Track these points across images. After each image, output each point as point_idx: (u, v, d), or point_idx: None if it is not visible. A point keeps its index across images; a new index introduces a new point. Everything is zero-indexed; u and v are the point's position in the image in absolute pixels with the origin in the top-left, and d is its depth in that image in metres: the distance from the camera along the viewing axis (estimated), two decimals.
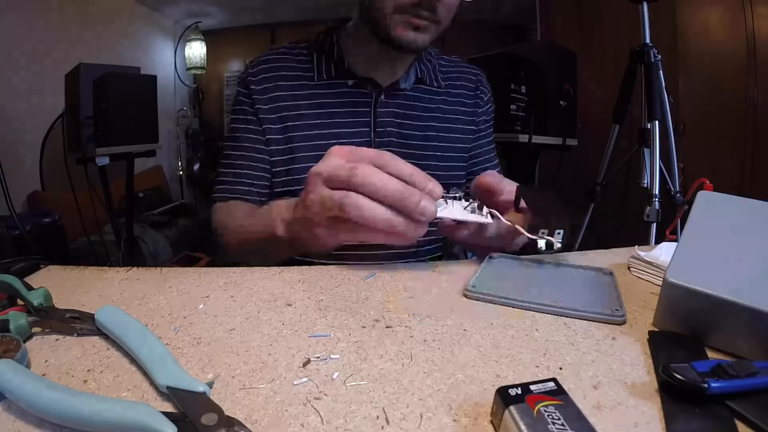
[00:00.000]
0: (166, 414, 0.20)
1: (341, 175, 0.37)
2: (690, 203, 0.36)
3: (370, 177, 0.36)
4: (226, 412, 0.22)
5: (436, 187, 0.38)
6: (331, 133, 0.64)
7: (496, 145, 0.82)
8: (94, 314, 0.31)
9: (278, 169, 0.66)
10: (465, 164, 0.75)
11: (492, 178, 0.47)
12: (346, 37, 0.67)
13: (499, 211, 0.43)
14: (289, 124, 0.65)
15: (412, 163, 0.59)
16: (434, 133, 0.70)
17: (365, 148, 0.39)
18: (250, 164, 0.66)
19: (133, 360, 0.27)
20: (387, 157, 0.38)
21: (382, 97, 0.66)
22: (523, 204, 0.44)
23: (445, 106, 0.72)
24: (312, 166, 0.57)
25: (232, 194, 0.66)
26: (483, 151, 0.79)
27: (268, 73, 0.67)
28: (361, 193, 0.36)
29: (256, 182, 0.66)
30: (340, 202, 0.36)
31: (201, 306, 0.35)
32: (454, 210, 0.42)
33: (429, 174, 0.61)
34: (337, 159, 0.38)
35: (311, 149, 0.64)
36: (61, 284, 0.39)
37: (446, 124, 0.71)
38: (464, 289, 0.38)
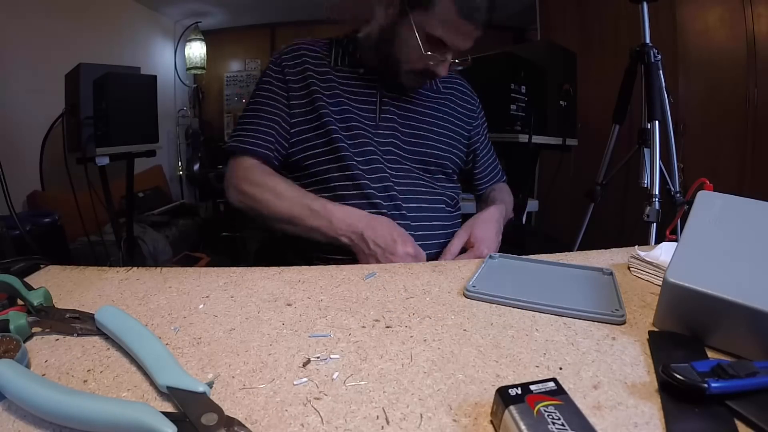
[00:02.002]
0: (166, 414, 0.20)
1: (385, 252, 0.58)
2: (690, 203, 0.36)
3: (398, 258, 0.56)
4: (226, 412, 0.22)
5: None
6: (346, 108, 0.72)
7: (494, 147, 0.88)
8: (94, 314, 0.31)
9: (304, 134, 0.72)
10: (463, 152, 0.83)
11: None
12: (360, 40, 0.77)
13: None
14: (315, 96, 0.72)
15: (412, 145, 0.77)
16: (430, 126, 0.77)
17: (403, 240, 0.60)
18: (272, 125, 0.71)
19: (133, 360, 0.27)
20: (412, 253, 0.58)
21: (385, 90, 0.74)
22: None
23: (441, 107, 0.80)
24: (335, 127, 0.71)
25: (252, 147, 0.70)
26: (484, 153, 0.87)
27: (299, 56, 0.75)
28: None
29: (274, 144, 0.71)
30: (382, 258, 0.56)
31: (201, 306, 0.35)
32: None
33: (425, 157, 0.78)
34: (384, 231, 0.60)
35: (335, 114, 0.71)
36: (61, 284, 0.39)
37: (441, 121, 0.79)
38: (464, 289, 0.38)
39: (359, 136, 0.71)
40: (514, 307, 0.35)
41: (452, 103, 0.82)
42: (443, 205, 0.75)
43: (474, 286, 0.37)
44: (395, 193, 0.70)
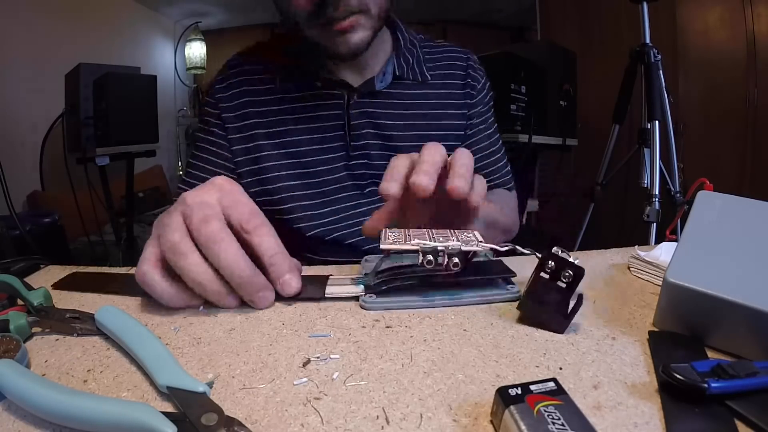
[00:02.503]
0: (166, 414, 0.20)
1: (193, 219, 0.32)
2: (690, 203, 0.36)
3: (215, 244, 0.31)
4: (226, 412, 0.22)
5: (292, 281, 0.34)
6: (302, 140, 0.59)
7: (502, 148, 0.71)
8: (94, 314, 0.31)
9: (246, 180, 0.61)
10: None
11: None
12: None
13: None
14: (257, 133, 0.60)
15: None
16: (417, 132, 0.62)
17: (245, 200, 0.34)
18: (212, 169, 0.62)
19: (133, 360, 0.27)
20: (259, 222, 0.33)
21: (355, 98, 0.60)
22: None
23: (430, 101, 0.63)
24: (282, 177, 0.59)
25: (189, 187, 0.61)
26: (482, 147, 0.68)
27: (234, 79, 0.62)
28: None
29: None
30: (169, 245, 0.32)
31: (201, 306, 0.35)
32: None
33: None
34: (212, 195, 0.34)
35: (281, 158, 0.60)
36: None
37: (431, 120, 0.63)
38: (361, 301, 0.35)
39: (326, 178, 0.60)
40: (409, 309, 0.34)
41: (443, 90, 0.65)
42: None
43: (366, 301, 0.35)
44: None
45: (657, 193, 1.29)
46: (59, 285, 0.39)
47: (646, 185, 1.34)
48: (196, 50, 3.54)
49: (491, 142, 0.69)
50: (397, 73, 0.62)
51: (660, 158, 1.33)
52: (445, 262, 0.33)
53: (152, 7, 3.25)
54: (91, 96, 1.81)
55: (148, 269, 0.33)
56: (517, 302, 0.34)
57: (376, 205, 0.59)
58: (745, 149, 1.96)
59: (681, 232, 0.34)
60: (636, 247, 0.45)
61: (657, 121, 1.34)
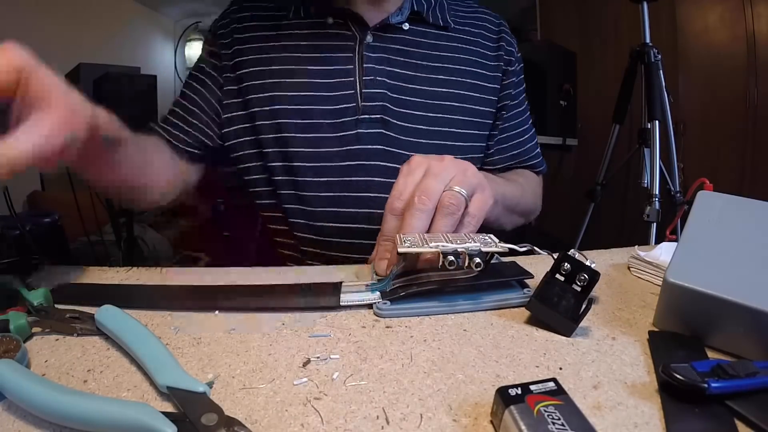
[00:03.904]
0: (166, 414, 0.20)
1: None
2: (690, 203, 0.36)
3: None
4: (226, 412, 0.22)
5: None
6: (306, 83, 0.53)
7: (533, 127, 0.64)
8: (94, 314, 0.31)
9: (263, 123, 0.54)
10: (486, 133, 0.59)
11: None
12: None
13: None
14: (247, 78, 0.54)
15: (414, 128, 0.54)
16: (443, 89, 0.54)
17: None
18: (193, 112, 0.57)
19: (133, 360, 0.27)
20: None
21: (369, 38, 0.53)
22: None
23: (457, 55, 0.56)
24: (293, 120, 0.52)
25: (162, 133, 0.58)
26: (513, 124, 0.60)
27: (237, 15, 0.57)
28: None
29: (189, 130, 0.57)
30: None
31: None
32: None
33: (440, 144, 0.55)
34: None
35: (281, 104, 0.53)
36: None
37: (459, 77, 0.55)
38: (375, 308, 0.34)
39: (329, 131, 0.52)
40: (425, 315, 0.34)
41: (471, 46, 0.57)
42: None
43: (383, 306, 0.34)
44: None
45: (657, 193, 1.29)
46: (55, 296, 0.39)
47: (646, 185, 1.34)
48: (196, 50, 3.54)
49: (523, 120, 0.63)
50: (416, 8, 0.55)
51: (660, 158, 1.33)
52: (466, 264, 0.33)
53: (152, 7, 3.25)
54: (91, 96, 1.81)
55: None
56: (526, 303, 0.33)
57: (385, 182, 0.52)
58: (745, 149, 1.95)
59: (681, 232, 0.34)
60: (636, 247, 0.45)
61: (657, 121, 1.34)
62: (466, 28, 0.58)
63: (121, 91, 1.82)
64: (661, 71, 1.39)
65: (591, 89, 2.35)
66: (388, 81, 0.53)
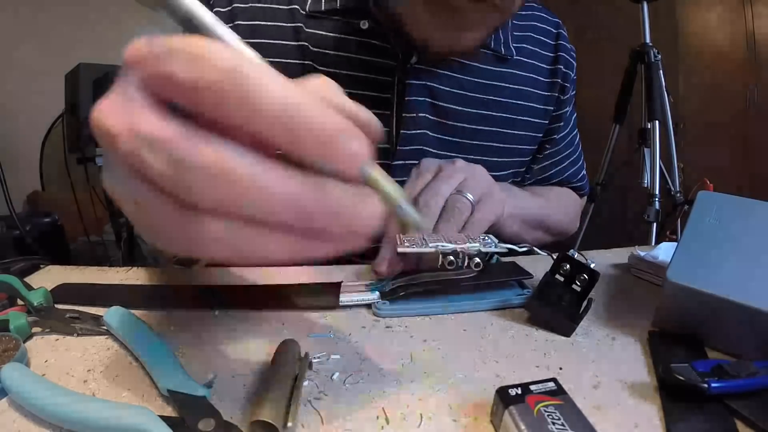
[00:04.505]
0: (165, 418, 0.20)
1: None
2: (690, 203, 0.36)
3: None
4: (227, 413, 0.22)
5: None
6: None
7: (580, 153, 0.58)
8: (94, 314, 0.31)
9: None
10: (527, 159, 0.53)
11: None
12: None
13: None
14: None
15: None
16: (489, 128, 0.47)
17: None
18: None
19: (134, 361, 0.27)
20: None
21: (414, 59, 0.42)
22: None
23: (512, 85, 0.48)
24: None
25: None
26: (558, 150, 0.55)
27: (243, 15, 0.43)
28: None
29: None
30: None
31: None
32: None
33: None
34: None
35: None
36: None
37: (509, 114, 0.48)
38: (374, 308, 0.34)
39: None
40: (425, 315, 0.34)
41: (528, 73, 0.49)
42: None
43: (383, 306, 0.34)
44: None
45: (657, 193, 1.29)
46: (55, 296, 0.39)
47: (646, 185, 1.34)
48: None
49: (571, 144, 0.56)
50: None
51: (660, 158, 1.33)
52: (466, 264, 0.33)
53: (152, 7, 3.25)
54: (91, 96, 1.81)
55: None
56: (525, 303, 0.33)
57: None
58: (745, 149, 1.96)
59: (681, 232, 0.34)
60: (636, 247, 0.45)
61: (657, 121, 1.34)
62: (523, 46, 0.49)
63: None
64: (661, 71, 1.39)
65: (591, 89, 2.35)
66: (430, 118, 0.44)
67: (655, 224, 1.27)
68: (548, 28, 0.53)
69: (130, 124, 0.13)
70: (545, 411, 0.20)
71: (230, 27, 0.26)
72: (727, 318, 0.28)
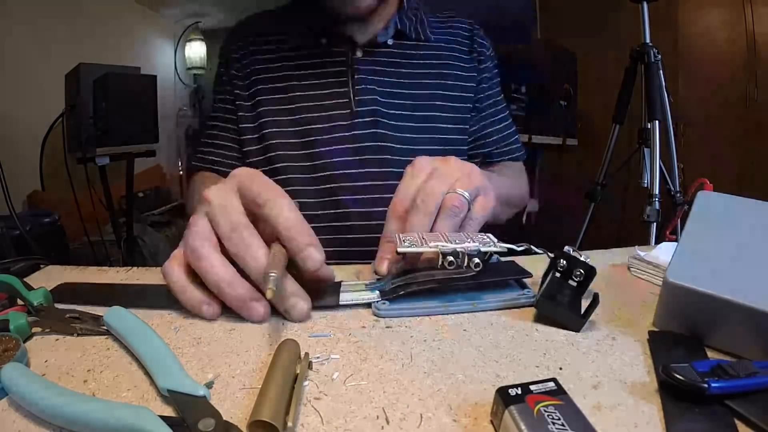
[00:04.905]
0: (165, 418, 0.20)
1: (221, 226, 0.32)
2: (690, 203, 0.36)
3: (245, 250, 0.31)
4: (227, 413, 0.22)
5: (313, 253, 0.31)
6: (304, 95, 0.60)
7: (509, 118, 0.70)
8: (94, 314, 0.31)
9: (248, 137, 0.62)
10: (467, 127, 0.66)
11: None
12: None
13: None
14: (260, 90, 0.61)
15: (404, 131, 0.60)
16: (427, 91, 0.62)
17: (261, 179, 0.33)
18: (222, 134, 0.65)
19: (134, 361, 0.27)
20: (271, 196, 0.32)
21: (359, 53, 0.60)
22: None
23: (435, 61, 0.63)
24: (280, 140, 0.59)
25: (203, 164, 0.65)
26: (490, 113, 0.67)
27: (242, 40, 0.64)
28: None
29: (227, 152, 0.64)
30: (190, 249, 0.32)
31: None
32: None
33: (426, 145, 0.60)
34: (232, 192, 0.33)
35: (281, 114, 0.60)
36: None
37: (440, 80, 0.63)
38: (374, 308, 0.34)
39: (330, 139, 0.58)
40: (430, 315, 0.34)
41: (448, 53, 0.64)
42: None
43: (383, 306, 0.34)
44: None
45: (657, 193, 1.29)
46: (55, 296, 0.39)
47: (646, 185, 1.34)
48: (196, 50, 3.53)
49: (499, 109, 0.69)
50: (399, 27, 0.61)
51: (660, 158, 1.33)
52: (465, 264, 0.33)
53: (152, 7, 3.25)
54: (91, 96, 1.81)
55: (171, 267, 0.33)
56: (533, 303, 0.33)
57: (380, 172, 0.58)
58: (745, 149, 1.96)
59: (681, 232, 0.34)
60: (636, 247, 0.45)
61: (657, 121, 1.34)
62: (444, 37, 0.65)
63: (121, 91, 1.82)
64: (661, 71, 1.39)
65: (591, 89, 2.35)
66: (377, 89, 0.59)
67: (655, 224, 1.27)
68: (463, 26, 0.68)
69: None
70: (545, 411, 0.20)
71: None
72: (727, 318, 0.28)
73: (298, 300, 0.32)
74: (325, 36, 0.60)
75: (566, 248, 0.34)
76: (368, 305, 0.34)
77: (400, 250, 0.33)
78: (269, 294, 0.27)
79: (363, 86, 0.59)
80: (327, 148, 0.58)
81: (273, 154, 0.60)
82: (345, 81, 0.59)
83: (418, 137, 0.60)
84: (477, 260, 0.32)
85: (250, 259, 0.31)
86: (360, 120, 0.58)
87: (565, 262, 0.33)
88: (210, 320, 0.32)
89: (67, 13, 2.40)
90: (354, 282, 0.37)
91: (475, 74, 0.66)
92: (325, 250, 0.33)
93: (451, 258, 0.32)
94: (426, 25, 0.64)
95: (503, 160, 0.70)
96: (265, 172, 0.55)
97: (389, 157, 0.58)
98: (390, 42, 0.61)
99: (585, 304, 0.32)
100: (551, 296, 0.32)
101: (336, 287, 0.36)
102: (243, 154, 0.63)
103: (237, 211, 0.32)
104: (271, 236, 0.33)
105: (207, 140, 0.66)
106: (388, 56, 0.61)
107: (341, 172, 0.58)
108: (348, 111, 0.59)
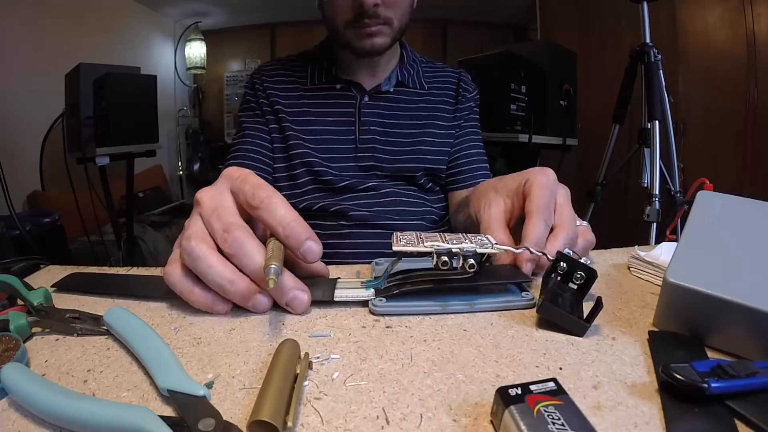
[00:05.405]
0: (165, 418, 0.20)
1: (214, 226, 0.33)
2: (690, 203, 0.36)
3: (240, 249, 0.31)
4: (227, 413, 0.22)
5: (313, 246, 0.32)
6: (319, 129, 0.71)
7: (484, 145, 0.82)
8: (94, 314, 0.31)
9: (277, 155, 0.73)
10: (449, 150, 0.77)
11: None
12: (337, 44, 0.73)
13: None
14: (285, 122, 0.72)
15: (396, 157, 0.72)
16: (417, 130, 0.74)
17: (253, 179, 0.34)
18: (254, 149, 0.72)
19: (134, 361, 0.27)
20: (265, 195, 0.33)
21: (366, 98, 0.73)
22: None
23: (428, 105, 0.76)
24: (308, 158, 0.70)
25: (239, 160, 0.72)
26: (465, 140, 0.78)
27: (269, 78, 0.75)
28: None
29: (258, 165, 0.71)
30: (187, 251, 0.32)
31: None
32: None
33: (413, 165, 0.73)
34: (224, 191, 0.35)
35: (306, 141, 0.71)
36: None
37: (429, 120, 0.75)
38: (370, 305, 0.34)
39: (338, 160, 0.70)
40: (419, 315, 0.34)
41: (438, 98, 0.77)
42: (432, 224, 0.73)
43: (379, 302, 0.34)
44: (386, 214, 0.68)
45: (657, 193, 1.29)
46: (58, 286, 0.39)
47: (646, 185, 1.34)
48: (196, 50, 3.54)
49: (475, 142, 0.80)
50: (400, 79, 0.75)
51: (660, 158, 1.33)
52: (460, 265, 0.33)
53: (152, 7, 3.25)
54: (91, 96, 1.81)
55: (172, 270, 0.33)
56: (532, 307, 0.33)
57: (375, 198, 0.70)
58: (745, 149, 1.96)
59: (681, 232, 0.34)
60: (636, 247, 0.45)
61: (657, 121, 1.34)
62: (435, 85, 0.78)
63: (121, 91, 1.82)
64: (661, 71, 1.39)
65: (591, 89, 2.35)
66: (378, 129, 0.72)
67: (655, 224, 1.27)
68: (452, 74, 0.81)
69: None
70: (545, 411, 0.20)
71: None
72: (727, 318, 0.28)
73: (298, 292, 0.33)
74: (340, 82, 0.73)
75: (566, 250, 0.34)
76: (365, 303, 0.35)
77: (395, 248, 0.33)
78: (271, 284, 0.28)
79: (366, 127, 0.71)
80: (335, 172, 0.70)
81: (297, 161, 0.71)
82: (353, 121, 0.72)
83: (407, 166, 0.73)
84: (472, 261, 0.32)
85: (245, 257, 0.31)
86: (362, 155, 0.71)
87: (565, 264, 0.33)
88: (222, 315, 0.33)
89: (67, 13, 2.40)
90: (350, 279, 0.37)
91: (458, 113, 0.78)
92: (325, 251, 0.34)
93: (445, 258, 0.32)
94: (421, 75, 0.78)
95: (478, 181, 0.77)
96: (287, 175, 0.71)
97: (382, 180, 0.72)
98: (392, 90, 0.74)
99: (586, 306, 0.32)
100: (553, 300, 0.32)
101: (332, 283, 0.36)
102: (272, 159, 0.73)
103: (230, 212, 0.33)
104: (265, 234, 0.34)
105: (238, 153, 0.72)
106: (390, 101, 0.74)
107: (346, 190, 0.70)
108: (353, 146, 0.71)
